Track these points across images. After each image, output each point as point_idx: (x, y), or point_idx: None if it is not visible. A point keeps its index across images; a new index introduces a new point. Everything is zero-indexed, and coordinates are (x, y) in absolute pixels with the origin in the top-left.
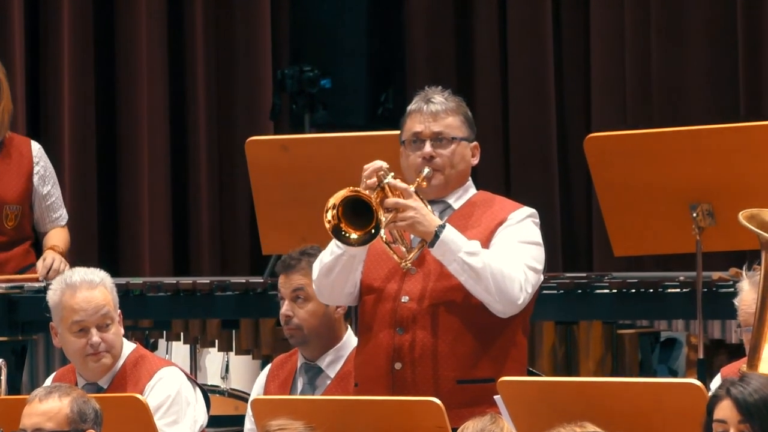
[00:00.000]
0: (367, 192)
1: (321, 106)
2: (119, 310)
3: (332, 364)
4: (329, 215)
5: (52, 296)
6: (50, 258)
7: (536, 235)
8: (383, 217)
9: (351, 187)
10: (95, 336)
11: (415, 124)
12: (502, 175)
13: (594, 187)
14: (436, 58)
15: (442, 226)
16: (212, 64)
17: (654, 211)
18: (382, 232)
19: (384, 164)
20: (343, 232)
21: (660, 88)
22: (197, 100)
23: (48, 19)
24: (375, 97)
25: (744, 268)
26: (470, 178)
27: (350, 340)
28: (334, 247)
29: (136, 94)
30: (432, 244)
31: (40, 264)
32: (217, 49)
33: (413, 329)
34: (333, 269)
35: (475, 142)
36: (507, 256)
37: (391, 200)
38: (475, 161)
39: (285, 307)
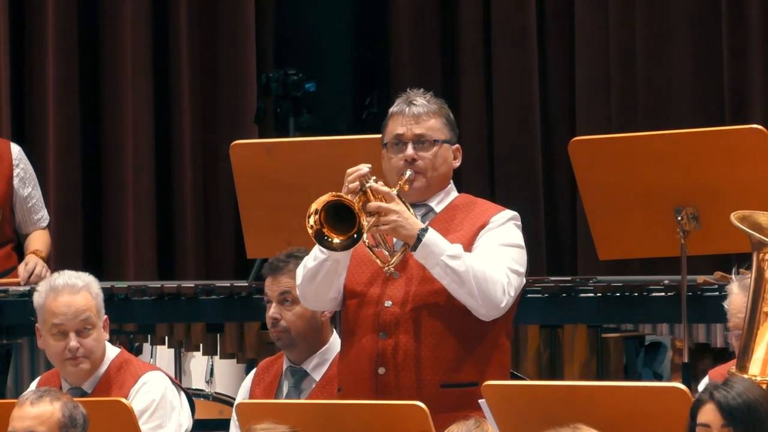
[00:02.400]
0: (349, 196)
1: (306, 109)
2: (105, 316)
3: (318, 367)
4: (311, 220)
5: (36, 298)
6: (32, 263)
7: (518, 237)
8: (365, 222)
9: (333, 192)
10: (73, 341)
11: (396, 127)
12: (485, 177)
13: (578, 190)
14: (420, 61)
15: (425, 230)
16: (197, 68)
17: (639, 215)
18: (365, 236)
19: (367, 168)
20: (325, 237)
21: (645, 90)
22: (182, 103)
23: (32, 22)
24: (360, 100)
25: (733, 271)
26: (452, 181)
27: (336, 343)
28: (317, 252)
29: (121, 97)
30: (415, 248)
31: (21, 268)
32: (201, 52)
33: (396, 334)
34: (317, 274)
35: (457, 145)
36: (489, 259)
37: (374, 204)
38: (457, 164)
39: (272, 310)
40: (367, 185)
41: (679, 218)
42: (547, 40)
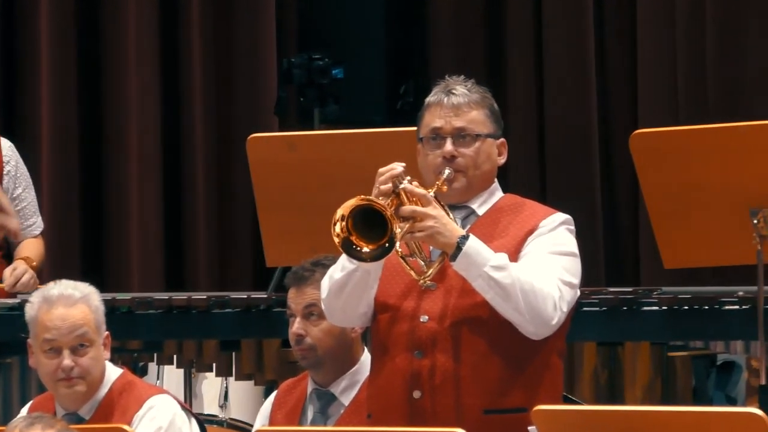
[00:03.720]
0: (380, 200)
1: (332, 99)
2: (106, 332)
3: (347, 390)
4: (338, 228)
5: (29, 310)
6: (21, 269)
7: (571, 244)
8: (398, 228)
9: (362, 195)
10: (67, 359)
11: (434, 119)
12: (535, 176)
13: (641, 190)
14: (462, 44)
15: (465, 237)
16: (209, 53)
17: (710, 218)
18: (398, 244)
19: (401, 168)
20: (354, 246)
21: (716, 77)
22: (192, 93)
23: (23, 6)
24: (394, 89)
25: None
26: (496, 180)
27: (367, 363)
28: (345, 262)
29: (124, 88)
30: (454, 258)
31: (8, 272)
32: (214, 35)
33: (433, 352)
34: (345, 287)
35: (502, 139)
36: (539, 269)
37: (408, 208)
38: (502, 160)
39: (296, 325)
40: (401, 187)
41: (756, 221)
42: (605, 19)
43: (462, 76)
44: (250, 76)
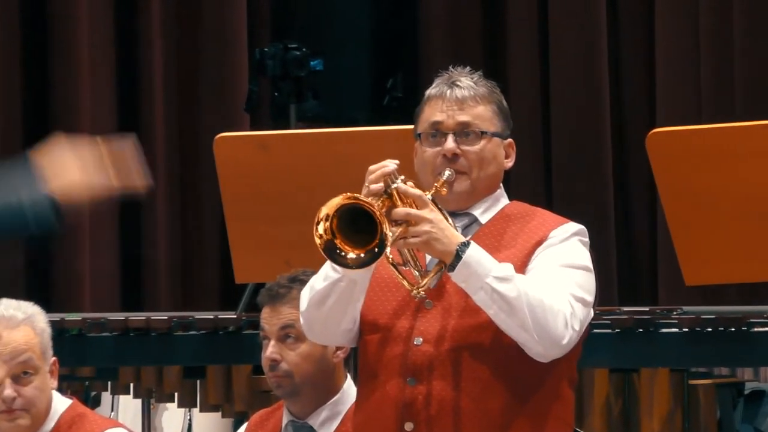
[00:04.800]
0: (369, 199)
1: (311, 94)
2: (53, 358)
3: (327, 422)
4: (321, 228)
5: None
6: None
7: (585, 257)
8: (390, 232)
9: (348, 194)
10: (8, 389)
11: (434, 113)
12: (541, 181)
13: (659, 197)
14: (457, 33)
15: (466, 244)
16: (171, 40)
17: (736, 229)
18: (389, 250)
19: (394, 165)
20: (338, 251)
21: (743, 70)
22: (152, 87)
23: None
24: (380, 83)
25: None
26: (502, 186)
27: (350, 391)
28: (329, 271)
29: (75, 81)
30: (452, 267)
31: None
32: (177, 20)
33: (429, 379)
34: (327, 299)
35: (509, 140)
36: (548, 283)
37: (401, 210)
38: (509, 163)
39: (270, 349)
40: (394, 186)
41: None
42: (620, 5)
43: (468, 68)
44: (218, 68)
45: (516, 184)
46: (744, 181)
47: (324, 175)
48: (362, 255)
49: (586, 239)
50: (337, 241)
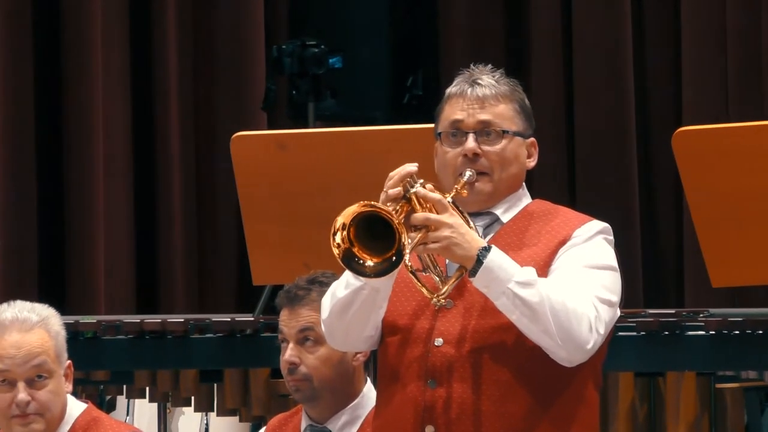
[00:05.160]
0: (387, 206)
1: (329, 92)
2: (68, 361)
3: (347, 426)
4: (338, 238)
5: None
6: None
7: (610, 257)
8: (408, 239)
9: (365, 201)
10: (22, 392)
11: (455, 111)
12: (564, 181)
13: (685, 197)
14: (479, 31)
15: (487, 249)
16: (187, 38)
17: (764, 229)
18: (407, 257)
19: (413, 168)
20: (356, 260)
21: None
22: (168, 83)
23: None
24: (399, 80)
25: None
26: (524, 185)
27: (370, 395)
28: (350, 278)
29: (88, 80)
30: (473, 273)
31: None
32: (194, 17)
33: (449, 382)
34: (350, 307)
35: (532, 139)
36: (572, 285)
37: (420, 215)
38: (532, 163)
39: (289, 352)
40: (413, 190)
41: None
42: (645, 2)
43: (489, 66)
44: (235, 66)
45: (539, 184)
46: None
47: (343, 175)
48: (380, 263)
49: (611, 237)
50: (355, 249)
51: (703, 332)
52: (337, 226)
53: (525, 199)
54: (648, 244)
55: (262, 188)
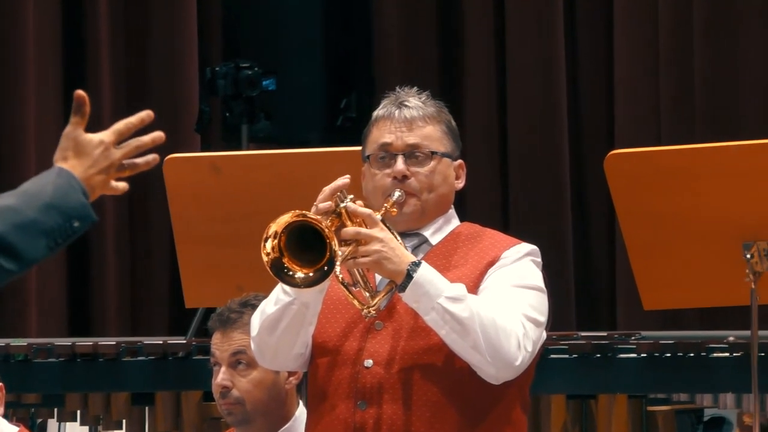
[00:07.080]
0: (318, 217)
1: (263, 114)
2: None
3: None
4: (269, 245)
5: None
6: None
7: (537, 277)
8: (339, 250)
9: (297, 211)
10: None
11: (383, 134)
12: (497, 202)
13: (617, 219)
14: (413, 53)
15: (417, 264)
16: (119, 58)
17: (696, 252)
18: (338, 269)
19: (346, 180)
20: (285, 269)
21: (704, 90)
22: (100, 104)
23: None
24: (333, 103)
25: None
26: (453, 206)
27: (302, 418)
28: (280, 294)
29: (21, 94)
30: (403, 288)
31: None
32: (126, 38)
33: (379, 402)
34: (279, 323)
35: (460, 160)
36: (501, 303)
37: (351, 229)
38: (460, 185)
39: (221, 376)
40: (343, 205)
41: (749, 255)
42: (578, 23)
43: (415, 88)
44: (168, 88)
45: (472, 205)
46: (703, 204)
47: (277, 197)
48: (311, 274)
49: (539, 260)
50: (285, 260)
51: (634, 355)
52: (269, 233)
53: (454, 221)
54: (580, 266)
55: (195, 210)
